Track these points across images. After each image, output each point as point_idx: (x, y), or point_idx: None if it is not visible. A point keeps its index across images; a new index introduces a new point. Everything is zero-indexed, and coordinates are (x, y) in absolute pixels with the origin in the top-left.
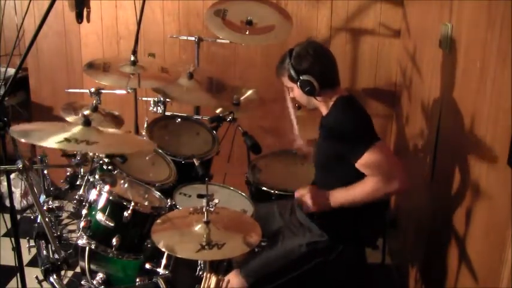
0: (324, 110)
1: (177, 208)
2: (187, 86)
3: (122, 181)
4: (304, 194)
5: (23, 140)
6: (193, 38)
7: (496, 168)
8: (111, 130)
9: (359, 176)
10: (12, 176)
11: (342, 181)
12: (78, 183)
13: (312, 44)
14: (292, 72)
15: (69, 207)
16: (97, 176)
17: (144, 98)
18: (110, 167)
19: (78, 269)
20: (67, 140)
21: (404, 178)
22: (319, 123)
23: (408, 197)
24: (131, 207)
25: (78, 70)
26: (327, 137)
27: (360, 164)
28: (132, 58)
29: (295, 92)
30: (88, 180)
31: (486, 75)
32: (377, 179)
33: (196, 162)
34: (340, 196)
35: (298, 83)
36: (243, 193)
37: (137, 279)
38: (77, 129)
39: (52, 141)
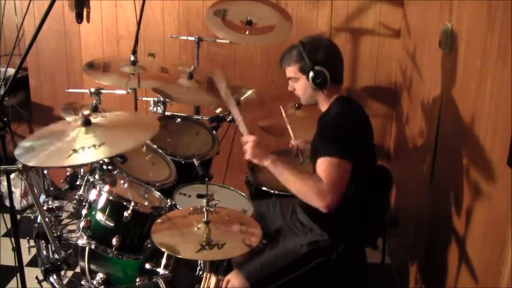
0: (324, 107)
1: (177, 208)
2: (187, 86)
3: (122, 181)
4: (248, 141)
5: (31, 164)
6: (193, 38)
7: (496, 168)
8: (114, 113)
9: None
10: (12, 176)
11: None
12: (78, 183)
13: (325, 39)
14: (307, 62)
15: (69, 207)
16: (97, 176)
17: (144, 98)
18: (110, 167)
19: (78, 269)
20: (75, 151)
21: (334, 205)
22: (318, 120)
23: (408, 197)
24: (131, 207)
25: (78, 70)
26: (321, 133)
27: (321, 161)
28: (132, 58)
29: (300, 84)
30: (88, 180)
31: (486, 75)
32: (319, 185)
33: (196, 162)
34: (279, 170)
35: (311, 72)
36: (243, 193)
37: (137, 279)
38: (79, 132)
39: (62, 159)
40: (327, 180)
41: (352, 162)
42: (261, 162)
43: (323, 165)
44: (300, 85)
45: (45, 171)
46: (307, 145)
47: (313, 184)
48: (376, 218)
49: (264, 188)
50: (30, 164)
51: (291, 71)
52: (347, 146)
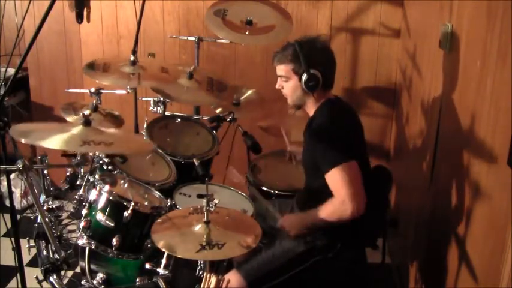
0: (311, 111)
1: (177, 208)
2: (187, 86)
3: (122, 181)
4: (283, 223)
5: (22, 141)
6: (193, 38)
7: (496, 168)
8: (112, 130)
9: None
10: (12, 176)
11: (326, 185)
12: (78, 183)
13: (321, 41)
14: (302, 63)
15: (69, 207)
16: (97, 176)
17: (144, 98)
18: (110, 167)
19: (78, 269)
20: (85, 142)
21: (360, 206)
22: (305, 128)
23: (408, 197)
24: (131, 207)
25: (78, 70)
26: (309, 140)
27: (327, 176)
28: (132, 58)
29: (290, 84)
30: (88, 180)
31: (486, 75)
32: (335, 201)
33: (196, 162)
34: (307, 219)
35: (305, 75)
36: (243, 193)
37: (137, 279)
38: (84, 130)
39: (75, 144)
40: (345, 190)
41: (355, 158)
42: (303, 228)
43: (335, 177)
44: (290, 85)
45: (45, 171)
46: (299, 148)
47: (329, 206)
48: (373, 218)
49: (264, 188)
50: (23, 141)
51: (283, 69)
52: (344, 148)
